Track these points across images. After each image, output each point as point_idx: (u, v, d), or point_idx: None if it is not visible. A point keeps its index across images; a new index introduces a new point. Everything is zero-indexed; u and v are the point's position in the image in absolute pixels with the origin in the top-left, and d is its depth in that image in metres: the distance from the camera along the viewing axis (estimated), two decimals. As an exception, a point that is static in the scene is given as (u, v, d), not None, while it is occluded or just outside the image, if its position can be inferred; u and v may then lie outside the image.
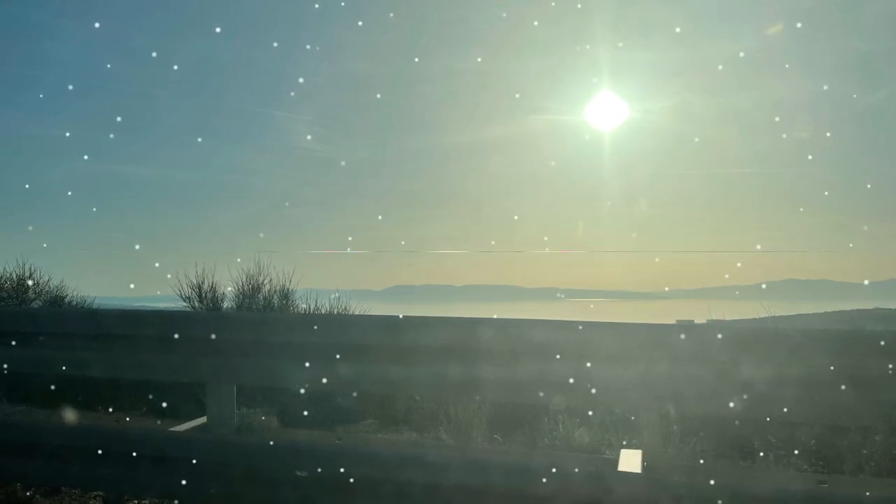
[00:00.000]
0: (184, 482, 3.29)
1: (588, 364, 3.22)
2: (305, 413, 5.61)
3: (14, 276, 9.93)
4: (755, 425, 4.86)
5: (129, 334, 4.06)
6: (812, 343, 3.07)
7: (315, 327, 3.91)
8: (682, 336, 3.22)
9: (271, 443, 3.48)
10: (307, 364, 3.65)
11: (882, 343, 2.96)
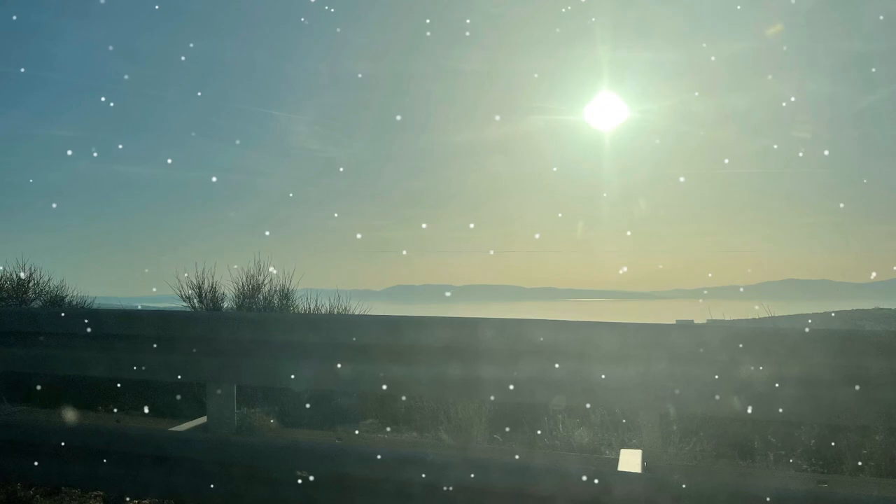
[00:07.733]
0: (184, 482, 3.29)
1: (588, 364, 3.22)
2: (305, 413, 5.61)
3: (14, 277, 9.91)
4: (755, 425, 4.86)
5: (129, 334, 4.06)
6: (812, 343, 3.07)
7: (315, 327, 3.92)
8: (682, 336, 3.23)
9: (271, 443, 3.48)
10: (307, 364, 3.66)
11: (881, 343, 2.97)
